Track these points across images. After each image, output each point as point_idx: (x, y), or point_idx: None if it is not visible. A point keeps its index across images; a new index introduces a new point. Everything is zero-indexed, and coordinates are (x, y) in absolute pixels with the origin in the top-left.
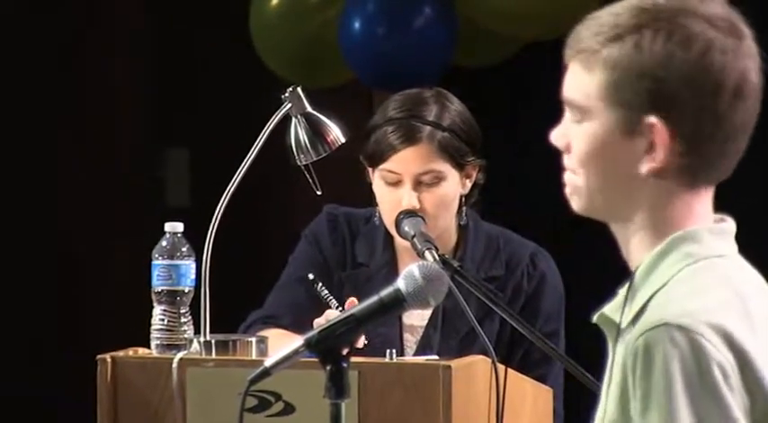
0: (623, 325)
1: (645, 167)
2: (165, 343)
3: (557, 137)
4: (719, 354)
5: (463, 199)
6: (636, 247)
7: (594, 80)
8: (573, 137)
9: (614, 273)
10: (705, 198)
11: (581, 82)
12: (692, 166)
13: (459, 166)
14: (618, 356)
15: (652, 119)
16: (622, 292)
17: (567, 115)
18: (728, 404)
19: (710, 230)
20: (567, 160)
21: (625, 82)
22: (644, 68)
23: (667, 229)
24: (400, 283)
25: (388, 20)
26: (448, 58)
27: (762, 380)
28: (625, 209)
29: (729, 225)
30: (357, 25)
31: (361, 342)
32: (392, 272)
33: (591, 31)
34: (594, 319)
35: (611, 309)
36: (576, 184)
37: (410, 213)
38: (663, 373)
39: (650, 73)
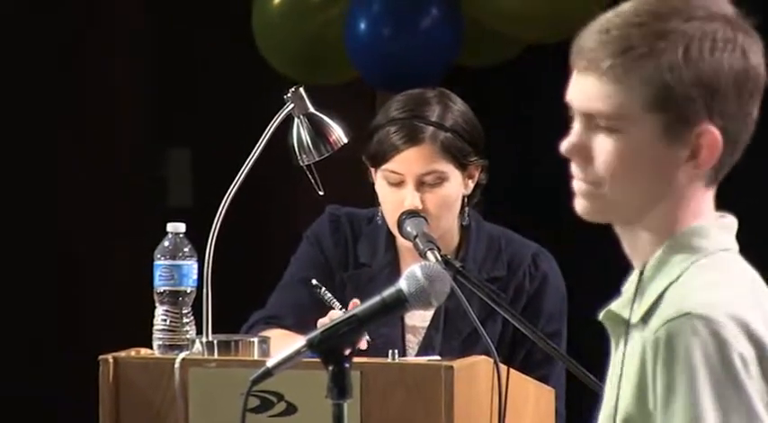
0: (633, 320)
1: (683, 174)
2: (168, 343)
3: (572, 148)
4: (740, 344)
5: (465, 199)
6: (643, 245)
7: (634, 91)
8: (599, 147)
9: (616, 273)
10: (712, 193)
11: (610, 94)
12: (722, 166)
13: (462, 166)
14: (630, 351)
15: (706, 126)
16: (630, 288)
17: (581, 126)
18: (750, 394)
19: (716, 226)
20: (584, 171)
21: (676, 92)
22: (698, 78)
23: (676, 226)
24: (402, 284)
25: (394, 21)
26: (454, 58)
27: None
28: (645, 213)
29: (732, 220)
30: (363, 26)
31: (365, 342)
32: (394, 272)
33: (613, 44)
34: (600, 316)
35: (618, 305)
36: (597, 194)
37: (412, 214)
38: (686, 363)
39: (705, 82)
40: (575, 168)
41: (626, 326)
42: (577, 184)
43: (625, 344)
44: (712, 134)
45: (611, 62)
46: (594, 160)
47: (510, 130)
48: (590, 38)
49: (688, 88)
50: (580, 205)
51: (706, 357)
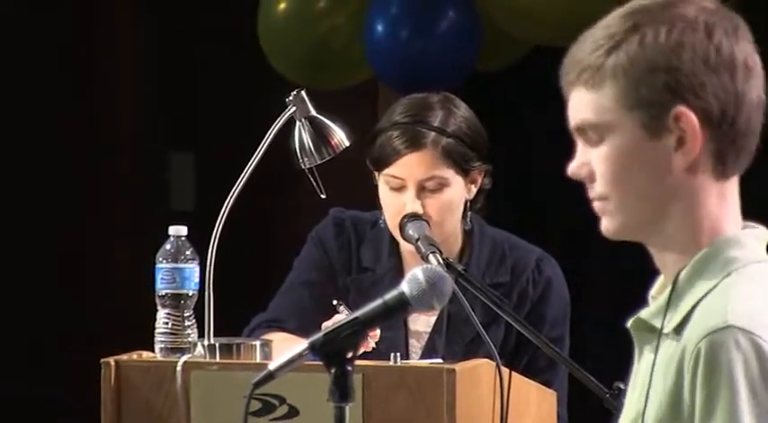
0: (665, 330)
1: (678, 164)
2: (170, 346)
3: (577, 169)
4: None
5: (468, 204)
6: (673, 252)
7: (607, 93)
8: (595, 161)
9: (619, 278)
10: (734, 190)
11: (590, 102)
12: (722, 151)
13: (464, 171)
14: (661, 361)
15: (679, 108)
16: (663, 297)
17: (581, 145)
18: None
19: (751, 235)
20: (594, 189)
21: (640, 81)
22: (656, 62)
23: (705, 228)
24: (404, 287)
25: (413, 23)
26: (472, 61)
27: None
28: (662, 217)
29: (764, 231)
30: (381, 28)
31: (373, 337)
32: (398, 276)
33: (586, 49)
34: (629, 324)
35: (650, 314)
36: (609, 209)
37: (414, 217)
38: (728, 376)
39: (664, 64)
40: (588, 190)
41: (657, 335)
42: (595, 206)
43: (655, 353)
44: (686, 116)
45: (580, 68)
46: (596, 175)
47: (514, 134)
48: (573, 52)
49: (649, 74)
50: (603, 226)
51: (746, 369)
